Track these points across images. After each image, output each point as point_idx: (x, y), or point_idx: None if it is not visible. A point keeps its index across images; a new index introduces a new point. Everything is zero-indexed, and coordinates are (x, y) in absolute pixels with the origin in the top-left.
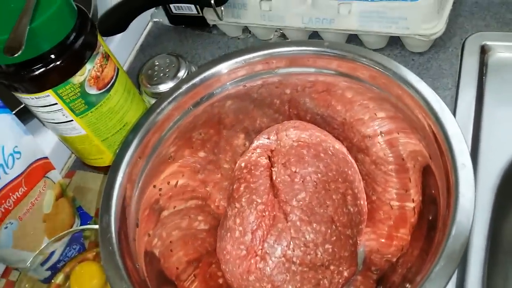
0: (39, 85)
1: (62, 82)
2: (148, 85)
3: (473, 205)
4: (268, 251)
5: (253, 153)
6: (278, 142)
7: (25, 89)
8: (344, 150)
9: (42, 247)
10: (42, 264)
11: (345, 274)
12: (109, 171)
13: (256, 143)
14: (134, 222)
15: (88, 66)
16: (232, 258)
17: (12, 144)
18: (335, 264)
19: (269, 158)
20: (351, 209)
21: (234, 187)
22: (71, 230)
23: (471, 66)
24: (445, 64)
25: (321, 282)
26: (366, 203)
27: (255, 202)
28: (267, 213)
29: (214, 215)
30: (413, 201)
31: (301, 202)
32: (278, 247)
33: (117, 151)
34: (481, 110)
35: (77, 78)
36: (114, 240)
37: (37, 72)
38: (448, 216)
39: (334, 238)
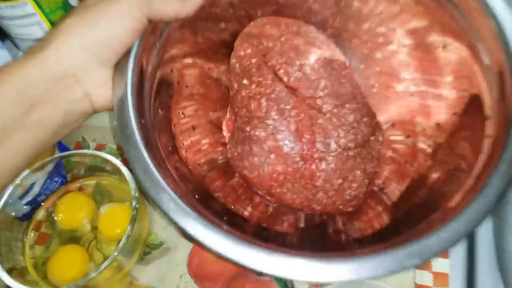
0: None
1: None
2: None
3: None
4: (324, 149)
5: (247, 66)
6: (264, 44)
7: None
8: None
9: (21, 176)
10: (21, 197)
11: (380, 139)
12: None
13: (241, 53)
14: None
15: None
16: (289, 176)
17: None
18: (373, 134)
19: (265, 63)
20: (358, 82)
21: (252, 107)
22: (55, 156)
23: None
24: None
25: (372, 155)
26: None
27: (286, 110)
28: (302, 115)
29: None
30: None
31: (325, 90)
32: (331, 141)
33: None
34: None
35: None
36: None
37: None
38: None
39: (365, 110)
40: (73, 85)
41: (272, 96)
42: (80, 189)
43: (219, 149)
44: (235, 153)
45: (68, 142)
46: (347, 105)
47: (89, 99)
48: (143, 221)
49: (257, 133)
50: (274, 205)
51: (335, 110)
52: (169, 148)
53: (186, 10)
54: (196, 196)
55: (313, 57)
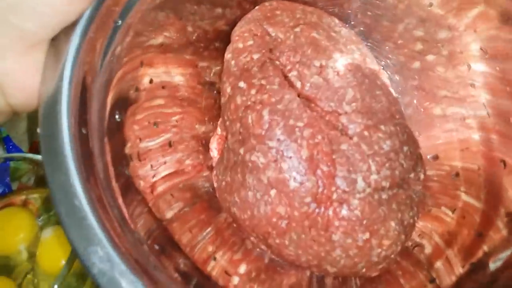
0: None
1: None
2: None
3: None
4: (347, 189)
5: (246, 63)
6: (272, 35)
7: None
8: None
9: None
10: None
11: (422, 176)
12: None
13: (239, 45)
14: None
15: None
16: (295, 223)
17: None
18: (414, 168)
19: (272, 61)
20: (394, 95)
21: (250, 120)
22: None
23: None
24: None
25: (412, 199)
26: None
27: (297, 129)
28: (319, 137)
29: None
30: None
31: (354, 104)
32: (358, 176)
33: None
34: None
35: None
36: None
37: None
38: None
39: (406, 136)
40: None
41: (279, 107)
42: (25, 203)
43: (204, 174)
44: (223, 183)
45: (22, 141)
46: (382, 127)
47: (1, 93)
48: None
49: (253, 158)
50: (272, 257)
51: (365, 133)
52: (125, 173)
53: None
54: (156, 247)
55: (339, 56)
